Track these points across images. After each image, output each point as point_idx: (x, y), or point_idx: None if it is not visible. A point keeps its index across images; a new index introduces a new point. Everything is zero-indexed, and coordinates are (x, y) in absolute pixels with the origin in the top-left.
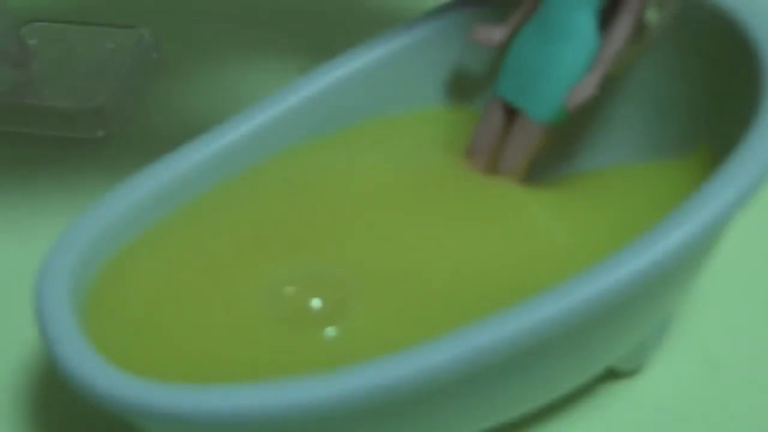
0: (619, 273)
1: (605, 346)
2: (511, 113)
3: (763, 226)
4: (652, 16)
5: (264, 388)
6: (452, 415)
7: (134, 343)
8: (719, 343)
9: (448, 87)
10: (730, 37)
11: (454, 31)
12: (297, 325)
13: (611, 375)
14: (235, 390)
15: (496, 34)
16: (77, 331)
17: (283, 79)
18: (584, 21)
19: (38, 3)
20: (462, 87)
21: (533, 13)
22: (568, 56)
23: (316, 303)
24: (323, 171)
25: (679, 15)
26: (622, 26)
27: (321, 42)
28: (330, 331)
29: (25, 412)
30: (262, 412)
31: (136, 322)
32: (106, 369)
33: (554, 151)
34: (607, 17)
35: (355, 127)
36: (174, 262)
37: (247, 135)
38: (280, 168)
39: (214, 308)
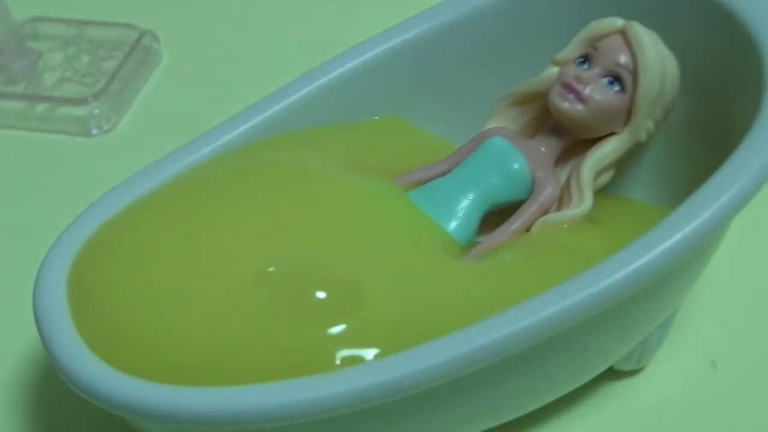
0: (621, 271)
1: (611, 343)
2: None
3: (764, 226)
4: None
5: (258, 389)
6: (453, 415)
7: (125, 337)
8: (720, 342)
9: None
10: (733, 37)
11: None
12: (298, 319)
13: (612, 374)
14: (229, 391)
15: None
16: (74, 332)
17: (282, 78)
18: (467, 209)
19: (38, 2)
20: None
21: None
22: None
23: (320, 294)
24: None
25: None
26: (511, 228)
27: (321, 42)
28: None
29: (24, 410)
30: (254, 413)
31: (125, 315)
32: (103, 370)
33: None
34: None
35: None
36: (162, 249)
37: (241, 135)
38: (269, 160)
39: (210, 296)
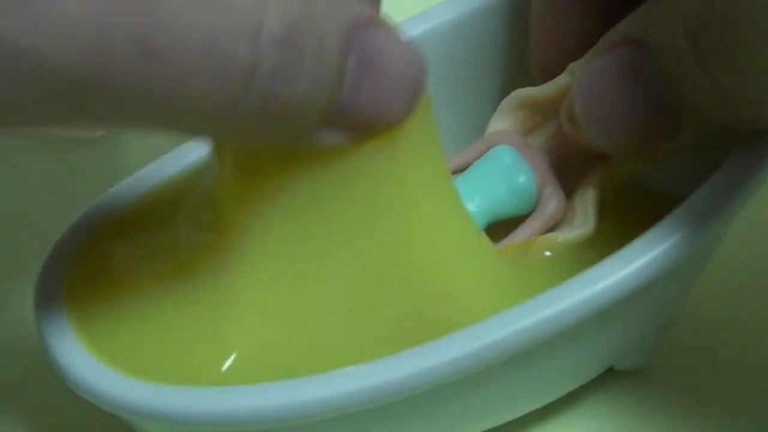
0: (626, 271)
1: (610, 342)
2: None
3: (764, 225)
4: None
5: (256, 389)
6: (450, 416)
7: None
8: (720, 342)
9: None
10: None
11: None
12: None
13: (613, 374)
14: (231, 391)
15: None
16: (75, 338)
17: None
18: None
19: None
20: None
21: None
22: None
23: None
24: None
25: None
26: (521, 234)
27: None
28: None
29: (24, 410)
30: (254, 413)
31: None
32: (101, 370)
33: None
34: None
35: None
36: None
37: None
38: None
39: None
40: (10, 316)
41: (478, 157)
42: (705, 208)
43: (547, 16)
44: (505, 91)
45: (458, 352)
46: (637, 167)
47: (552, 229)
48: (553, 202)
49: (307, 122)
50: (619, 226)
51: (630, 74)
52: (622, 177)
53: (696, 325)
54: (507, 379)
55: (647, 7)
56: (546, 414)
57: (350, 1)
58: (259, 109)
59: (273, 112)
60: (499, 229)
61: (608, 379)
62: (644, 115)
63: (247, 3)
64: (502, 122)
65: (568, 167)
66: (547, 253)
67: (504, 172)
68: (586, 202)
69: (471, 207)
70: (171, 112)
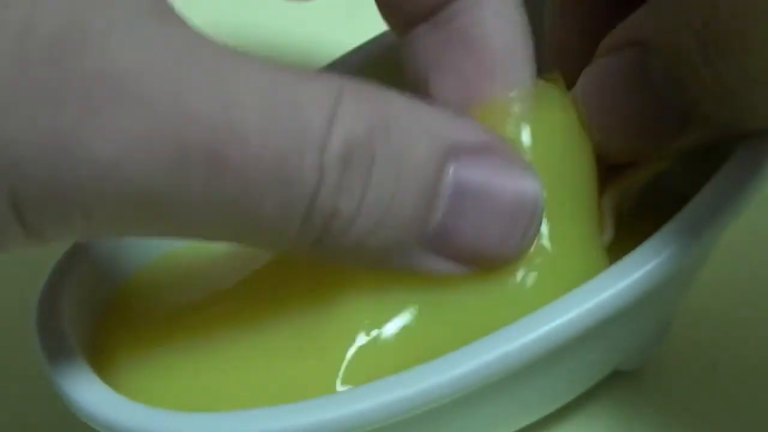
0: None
1: (616, 348)
2: None
3: (763, 226)
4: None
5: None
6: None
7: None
8: (720, 342)
9: None
10: None
11: None
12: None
13: (613, 374)
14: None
15: None
16: (81, 360)
17: None
18: None
19: None
20: None
21: None
22: None
23: None
24: None
25: None
26: None
27: (320, 42)
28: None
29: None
30: None
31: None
32: (110, 397)
33: None
34: None
35: None
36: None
37: None
38: None
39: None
40: (11, 316)
41: None
42: (707, 212)
43: (561, 31)
44: None
45: (479, 361)
46: (651, 173)
47: None
48: None
49: (384, 243)
50: (634, 228)
51: (636, 75)
52: (638, 184)
53: (696, 325)
54: (522, 388)
55: (651, 8)
56: (547, 415)
57: (450, 126)
58: (324, 227)
59: (339, 232)
60: None
61: (608, 380)
62: (650, 116)
63: (320, 120)
64: None
65: None
66: None
67: None
68: (606, 214)
69: None
70: (239, 226)
